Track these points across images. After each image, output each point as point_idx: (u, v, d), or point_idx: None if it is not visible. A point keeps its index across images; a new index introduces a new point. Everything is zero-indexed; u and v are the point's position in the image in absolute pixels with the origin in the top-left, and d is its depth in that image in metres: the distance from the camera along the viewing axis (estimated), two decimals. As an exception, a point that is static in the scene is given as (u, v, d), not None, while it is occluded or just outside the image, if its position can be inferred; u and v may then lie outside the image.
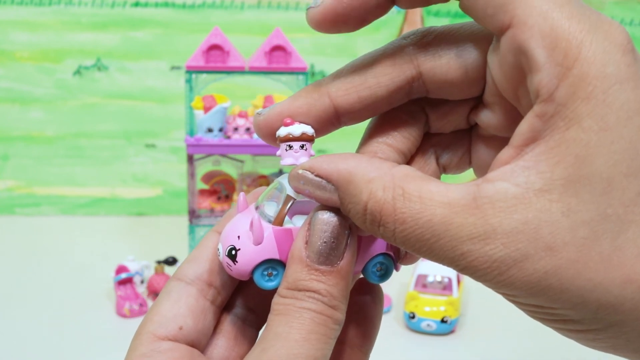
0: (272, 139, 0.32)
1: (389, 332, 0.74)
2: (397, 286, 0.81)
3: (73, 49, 1.03)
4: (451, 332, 0.74)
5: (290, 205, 0.32)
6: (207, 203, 0.83)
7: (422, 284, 0.75)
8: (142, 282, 0.80)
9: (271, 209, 0.33)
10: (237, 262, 0.31)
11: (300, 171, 0.30)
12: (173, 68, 1.04)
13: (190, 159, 0.81)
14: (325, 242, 0.30)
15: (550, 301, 0.26)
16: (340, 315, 0.30)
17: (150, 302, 0.79)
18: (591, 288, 0.25)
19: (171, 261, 0.82)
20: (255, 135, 0.80)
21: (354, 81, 0.32)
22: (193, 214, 0.82)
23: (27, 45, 1.03)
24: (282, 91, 0.84)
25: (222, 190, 0.85)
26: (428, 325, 0.73)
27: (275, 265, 0.32)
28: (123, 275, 0.78)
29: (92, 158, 1.07)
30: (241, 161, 0.82)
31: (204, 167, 0.84)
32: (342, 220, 0.30)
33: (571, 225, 0.25)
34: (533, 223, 0.25)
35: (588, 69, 0.25)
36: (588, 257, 0.25)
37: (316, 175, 0.29)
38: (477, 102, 0.32)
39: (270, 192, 0.34)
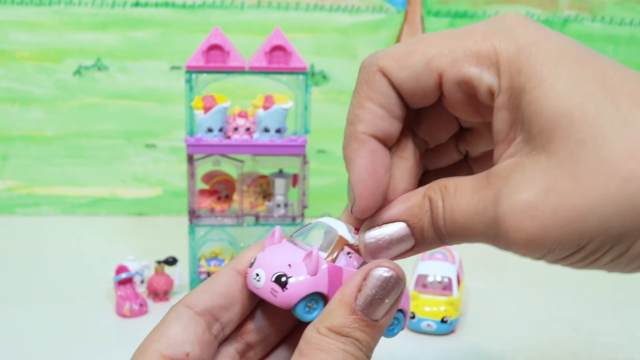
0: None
1: (389, 332, 0.74)
2: (397, 286, 0.82)
3: (73, 49, 1.03)
4: (451, 332, 0.74)
5: (342, 247, 0.33)
6: (207, 203, 0.83)
7: (422, 284, 0.75)
8: (142, 282, 0.80)
9: (307, 245, 0.34)
10: (286, 289, 0.32)
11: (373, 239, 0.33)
12: (173, 68, 1.04)
13: (190, 159, 0.81)
14: (379, 298, 0.32)
15: (574, 238, 0.28)
16: None
17: (150, 302, 0.79)
18: (589, 209, 0.27)
19: (171, 261, 0.82)
20: (255, 135, 0.80)
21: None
22: (193, 214, 0.82)
23: (27, 45, 1.03)
24: (282, 91, 0.84)
25: (222, 190, 0.85)
26: (428, 325, 0.73)
27: (318, 298, 0.33)
28: (123, 275, 0.78)
29: (92, 158, 1.07)
30: (241, 161, 0.82)
31: (204, 167, 0.84)
32: (399, 280, 0.32)
33: (557, 163, 0.28)
34: (528, 176, 0.29)
35: (508, 59, 0.30)
36: (579, 184, 0.27)
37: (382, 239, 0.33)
38: (458, 134, 0.36)
39: (306, 230, 0.35)
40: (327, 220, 0.35)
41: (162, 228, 1.03)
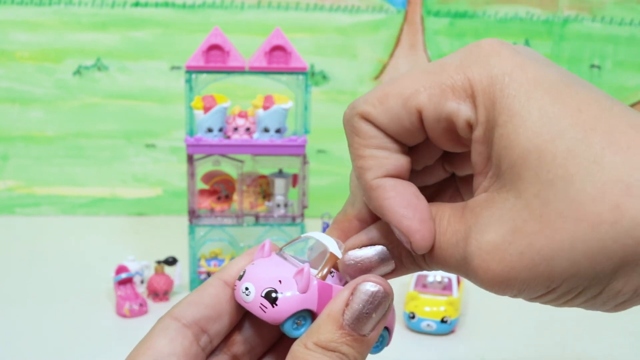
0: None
1: (389, 332, 0.74)
2: (397, 286, 0.81)
3: (73, 49, 1.03)
4: (451, 332, 0.74)
5: (332, 264, 0.34)
6: (207, 203, 0.83)
7: (422, 284, 0.75)
8: (142, 282, 0.80)
9: (297, 261, 0.34)
10: (276, 305, 0.32)
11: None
12: (173, 68, 1.04)
13: (190, 159, 0.81)
14: (366, 313, 0.32)
15: (544, 279, 0.27)
16: None
17: (150, 302, 0.79)
18: (563, 249, 0.27)
19: (171, 261, 0.82)
20: (255, 135, 0.80)
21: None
22: (193, 214, 0.82)
23: (27, 45, 1.03)
24: (282, 91, 0.84)
25: (222, 190, 0.85)
26: (428, 325, 0.73)
27: (306, 315, 0.33)
28: (123, 275, 0.78)
29: (92, 158, 1.07)
30: (241, 161, 0.82)
31: (204, 167, 0.84)
32: (387, 295, 0.32)
33: (525, 204, 0.28)
34: (496, 216, 0.29)
35: (482, 91, 0.29)
36: (546, 226, 0.27)
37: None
38: (444, 155, 0.35)
39: (297, 244, 0.35)
40: (317, 235, 0.35)
41: (162, 228, 1.03)
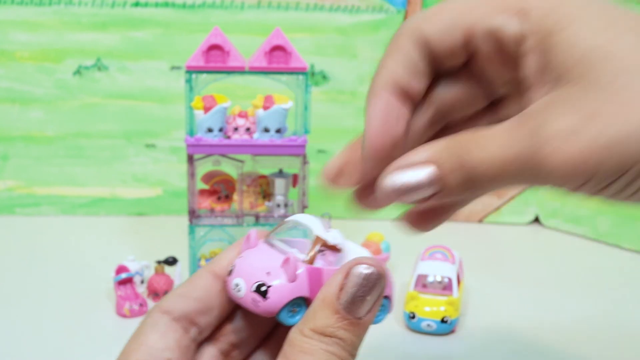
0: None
1: (389, 332, 0.74)
2: (397, 286, 0.82)
3: (73, 49, 1.03)
4: (451, 332, 0.74)
5: (320, 246, 0.33)
6: (207, 203, 0.83)
7: (422, 284, 0.75)
8: (142, 282, 0.80)
9: (286, 247, 0.34)
10: (267, 298, 0.32)
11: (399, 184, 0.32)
12: (173, 68, 1.04)
13: (190, 159, 0.81)
14: (360, 296, 0.32)
15: (618, 161, 0.28)
16: None
17: (150, 302, 0.79)
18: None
19: (171, 261, 0.82)
20: (255, 135, 0.80)
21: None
22: (193, 214, 0.82)
23: (27, 45, 1.03)
24: (282, 91, 0.84)
25: (222, 190, 0.85)
26: (428, 325, 0.73)
27: (300, 302, 0.33)
28: (123, 275, 0.78)
29: (92, 158, 1.07)
30: (241, 161, 0.82)
31: (204, 167, 0.84)
32: (381, 277, 0.32)
33: (597, 90, 0.28)
34: (568, 107, 0.29)
35: (535, 5, 0.31)
36: (623, 107, 0.28)
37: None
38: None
39: (283, 229, 0.35)
40: (301, 218, 0.35)
41: (162, 228, 1.03)
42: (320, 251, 0.34)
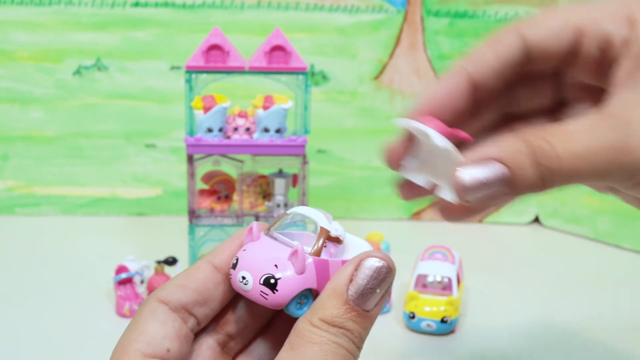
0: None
1: (389, 332, 0.74)
2: (397, 286, 0.82)
3: (73, 49, 1.03)
4: (451, 332, 0.74)
5: (325, 238, 0.33)
6: (207, 203, 0.83)
7: (422, 284, 0.75)
8: (142, 282, 0.80)
9: (288, 239, 0.33)
10: (277, 290, 0.32)
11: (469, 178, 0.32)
12: (173, 68, 1.04)
13: (190, 159, 0.81)
14: (370, 288, 0.32)
15: None
16: (359, 356, 0.32)
17: (150, 302, 0.79)
18: None
19: (171, 261, 0.82)
20: (255, 135, 0.80)
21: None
22: (193, 214, 0.82)
23: (27, 45, 1.03)
24: (282, 91, 0.84)
25: (222, 190, 0.85)
26: (428, 325, 0.73)
27: (308, 294, 0.33)
28: (123, 275, 0.78)
29: (92, 158, 1.07)
30: (241, 161, 0.82)
31: (203, 167, 0.84)
32: (390, 270, 0.32)
33: None
34: None
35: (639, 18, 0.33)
36: None
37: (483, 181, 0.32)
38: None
39: (284, 222, 0.34)
40: (303, 210, 0.35)
41: (162, 228, 1.03)
42: (324, 245, 0.34)
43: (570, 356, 0.71)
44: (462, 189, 0.32)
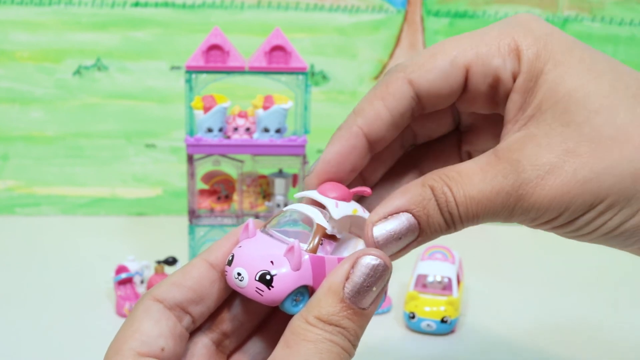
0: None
1: (389, 332, 0.74)
2: (396, 286, 0.82)
3: (73, 49, 1.03)
4: (451, 332, 0.74)
5: (321, 235, 0.33)
6: (207, 203, 0.83)
7: (422, 284, 0.75)
8: (142, 282, 0.80)
9: (284, 236, 0.33)
10: (272, 287, 0.32)
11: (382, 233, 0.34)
12: (173, 68, 1.04)
13: (190, 159, 0.81)
14: (367, 286, 0.32)
15: (588, 198, 0.31)
16: (354, 354, 0.32)
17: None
18: (605, 172, 0.30)
19: (171, 261, 0.82)
20: (255, 135, 0.80)
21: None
22: (193, 214, 0.82)
23: (27, 45, 1.03)
24: (282, 91, 0.84)
25: (222, 190, 0.85)
26: (428, 325, 0.73)
27: (303, 291, 0.33)
28: (123, 275, 0.78)
29: (92, 158, 1.07)
30: (241, 161, 0.82)
31: (204, 167, 0.84)
32: (387, 268, 0.32)
33: (574, 129, 0.31)
34: (544, 144, 0.31)
35: (527, 47, 0.33)
36: (597, 147, 0.30)
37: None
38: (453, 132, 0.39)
39: (280, 219, 0.34)
40: (299, 207, 0.34)
41: (162, 228, 1.03)
42: (320, 242, 0.34)
43: (570, 356, 0.71)
44: (376, 246, 0.33)
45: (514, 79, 0.33)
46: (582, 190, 0.30)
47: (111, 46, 1.03)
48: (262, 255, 0.33)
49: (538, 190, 0.31)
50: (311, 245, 0.33)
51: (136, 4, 1.03)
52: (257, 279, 0.32)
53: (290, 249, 0.32)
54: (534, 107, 0.32)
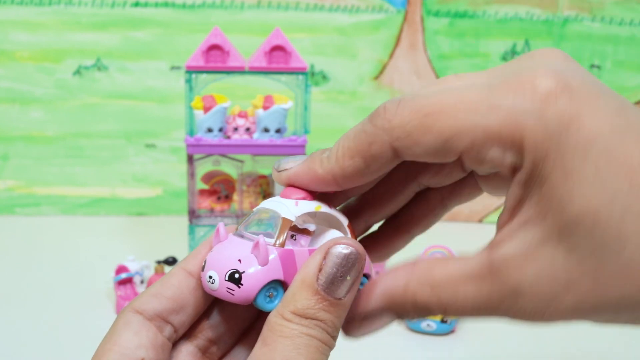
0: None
1: (389, 332, 0.74)
2: (397, 286, 0.82)
3: (73, 49, 1.03)
4: (451, 332, 0.74)
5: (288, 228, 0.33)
6: (207, 203, 0.83)
7: (422, 284, 0.75)
8: (142, 282, 0.80)
9: (254, 235, 0.33)
10: (242, 285, 0.32)
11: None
12: (173, 68, 1.04)
13: (190, 159, 0.81)
14: (340, 276, 0.31)
15: (594, 319, 0.29)
16: (334, 345, 0.32)
17: (150, 302, 0.79)
18: (615, 294, 0.28)
19: (171, 261, 0.82)
20: (255, 135, 0.80)
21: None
22: (193, 214, 0.82)
23: (27, 45, 1.03)
24: (282, 91, 0.84)
25: (222, 190, 0.85)
26: (428, 325, 0.73)
27: (276, 286, 0.32)
28: (123, 275, 0.78)
29: (92, 158, 1.07)
30: (241, 161, 0.82)
31: (204, 167, 0.84)
32: (359, 256, 0.31)
33: (578, 260, 0.28)
34: (546, 270, 0.28)
35: (534, 143, 0.28)
36: (600, 285, 0.28)
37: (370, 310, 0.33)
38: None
39: (252, 219, 0.34)
40: (268, 203, 0.34)
41: (162, 228, 1.03)
42: (291, 236, 0.33)
43: (570, 356, 0.71)
44: (361, 336, 0.34)
45: (514, 171, 0.29)
46: (579, 320, 0.29)
47: (111, 46, 1.04)
48: (231, 256, 0.33)
49: (535, 319, 0.29)
50: (279, 239, 0.33)
51: (136, 4, 1.03)
52: (226, 279, 0.32)
53: (256, 245, 0.32)
54: (536, 213, 0.29)
